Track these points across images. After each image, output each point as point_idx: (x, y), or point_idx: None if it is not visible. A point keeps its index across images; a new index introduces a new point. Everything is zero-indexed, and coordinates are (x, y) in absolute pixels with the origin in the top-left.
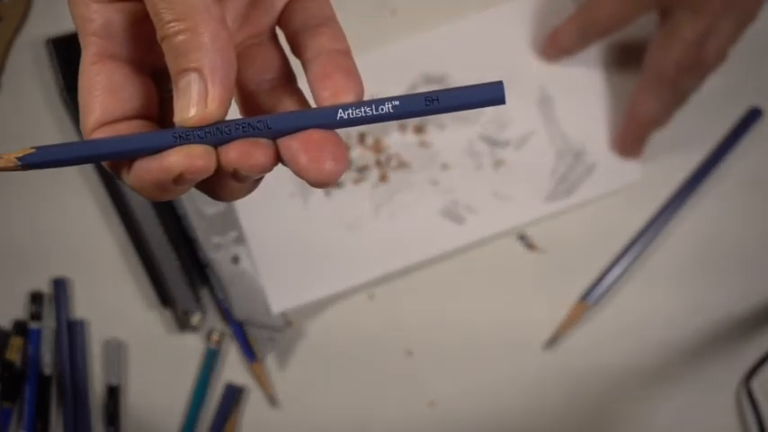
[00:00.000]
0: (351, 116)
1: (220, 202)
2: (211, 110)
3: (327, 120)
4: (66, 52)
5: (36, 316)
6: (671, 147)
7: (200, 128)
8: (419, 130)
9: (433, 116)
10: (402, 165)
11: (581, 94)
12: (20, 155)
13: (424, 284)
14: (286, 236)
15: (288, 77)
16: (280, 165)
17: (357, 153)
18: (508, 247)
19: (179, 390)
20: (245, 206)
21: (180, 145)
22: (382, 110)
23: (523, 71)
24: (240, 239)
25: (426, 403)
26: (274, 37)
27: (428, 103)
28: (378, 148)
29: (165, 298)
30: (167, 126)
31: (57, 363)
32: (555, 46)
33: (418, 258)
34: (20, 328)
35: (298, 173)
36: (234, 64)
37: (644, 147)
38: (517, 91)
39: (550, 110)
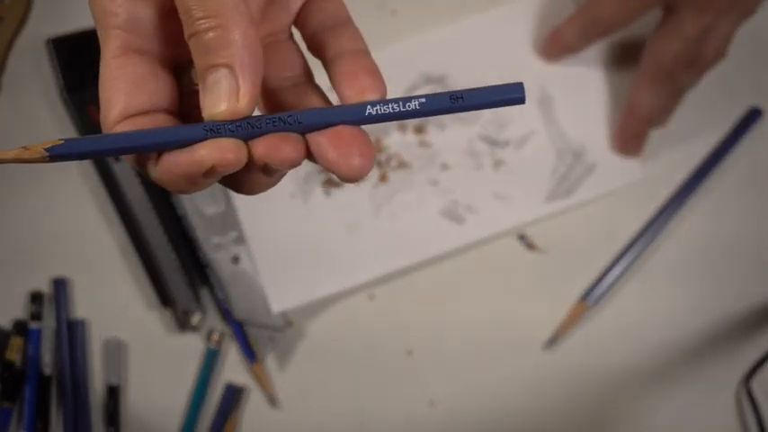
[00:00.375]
0: (378, 112)
1: (220, 203)
2: (242, 105)
3: (356, 116)
4: (66, 52)
5: (36, 316)
6: (671, 147)
7: (231, 122)
8: (419, 130)
9: (433, 116)
10: (402, 165)
11: (581, 93)
12: (48, 146)
13: (424, 284)
14: (286, 236)
15: (308, 75)
16: None
17: None
18: (508, 247)
19: (179, 390)
20: (245, 206)
21: (210, 138)
22: (409, 107)
23: (523, 71)
24: (240, 239)
25: (426, 403)
26: (291, 35)
27: (453, 101)
28: (378, 147)
29: (165, 298)
30: (188, 120)
31: (57, 363)
32: (556, 45)
33: (418, 258)
34: (20, 327)
35: (327, 167)
36: (261, 61)
37: (643, 144)
38: None
39: (550, 110)
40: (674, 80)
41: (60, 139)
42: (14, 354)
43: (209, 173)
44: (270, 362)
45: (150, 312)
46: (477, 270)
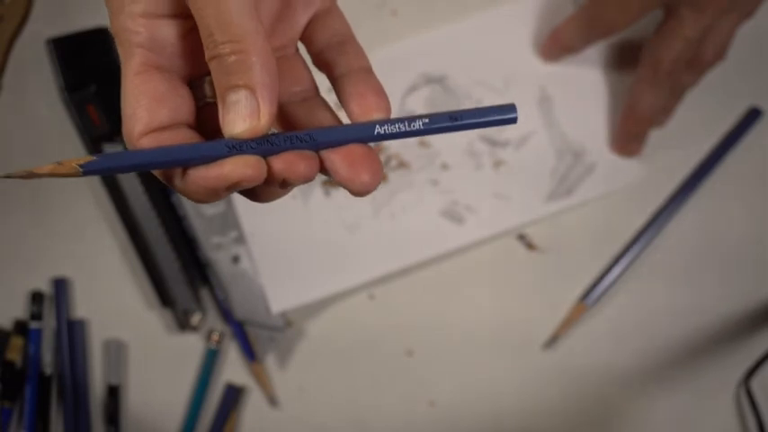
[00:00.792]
0: (387, 132)
1: (220, 203)
2: (263, 123)
3: (366, 135)
4: (66, 52)
5: (36, 316)
6: (671, 147)
7: (252, 140)
8: None
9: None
10: (402, 165)
11: (581, 94)
12: (81, 162)
13: (424, 284)
14: (286, 236)
15: (315, 89)
16: None
17: None
18: (508, 247)
19: (179, 389)
20: (245, 207)
21: (233, 155)
22: (413, 126)
23: (523, 71)
24: (240, 239)
25: (426, 403)
26: (297, 50)
27: (452, 120)
28: (378, 148)
29: (165, 298)
30: (203, 131)
31: (57, 362)
32: (556, 46)
33: (418, 258)
34: (20, 327)
35: (339, 182)
36: (278, 81)
37: (642, 144)
38: (517, 91)
39: (550, 110)
40: (674, 81)
41: (93, 155)
42: (15, 353)
43: (231, 186)
44: (270, 362)
45: (150, 312)
46: (477, 270)
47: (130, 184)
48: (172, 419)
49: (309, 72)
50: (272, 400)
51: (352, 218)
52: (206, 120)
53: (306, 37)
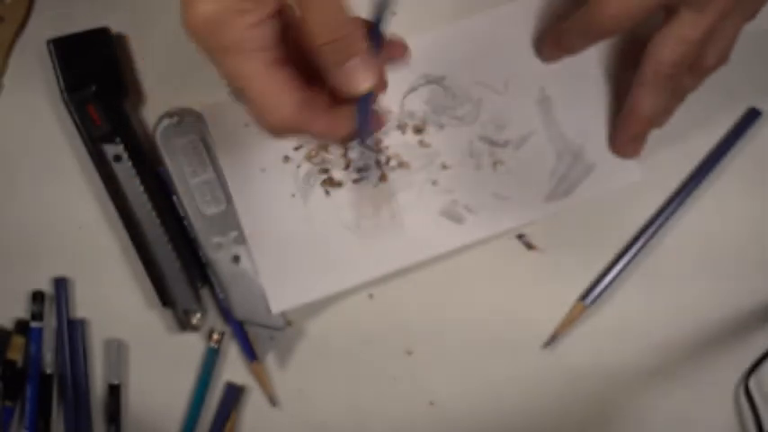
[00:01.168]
0: None
1: (221, 203)
2: (379, 78)
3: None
4: (66, 53)
5: (37, 315)
6: (670, 147)
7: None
8: (419, 130)
9: (432, 115)
10: (402, 165)
11: (580, 94)
12: None
13: (424, 284)
14: (286, 236)
15: None
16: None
17: (357, 153)
18: (507, 247)
19: (179, 389)
20: (246, 206)
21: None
22: None
23: (523, 71)
24: (240, 239)
25: (426, 403)
26: None
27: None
28: (377, 148)
29: (165, 298)
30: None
31: (58, 362)
32: (555, 46)
33: (418, 258)
34: (21, 327)
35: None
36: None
37: (642, 145)
38: (517, 91)
39: (549, 110)
40: (674, 84)
41: None
42: (16, 353)
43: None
44: (270, 361)
45: (151, 312)
46: (477, 270)
47: (131, 184)
48: (172, 419)
49: None
50: (272, 400)
51: (353, 217)
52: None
53: None
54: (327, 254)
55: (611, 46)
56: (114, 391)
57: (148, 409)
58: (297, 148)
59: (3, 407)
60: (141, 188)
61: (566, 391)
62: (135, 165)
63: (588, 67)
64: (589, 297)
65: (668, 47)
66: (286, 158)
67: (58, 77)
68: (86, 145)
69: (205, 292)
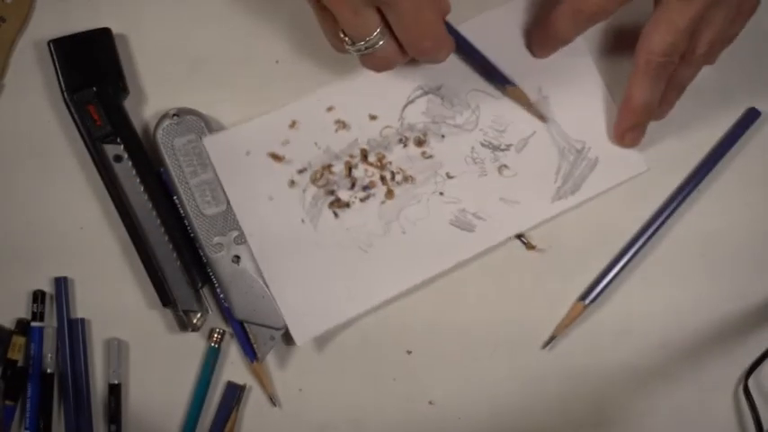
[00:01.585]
0: None
1: (221, 203)
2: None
3: None
4: (66, 53)
5: (38, 315)
6: (669, 147)
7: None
8: (420, 142)
9: (432, 126)
10: (407, 179)
11: (577, 90)
12: None
13: (423, 284)
14: (301, 264)
15: None
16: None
17: (361, 171)
18: (507, 247)
19: (180, 388)
20: (258, 239)
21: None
22: None
23: (519, 73)
24: (240, 239)
25: (426, 403)
26: None
27: None
28: (380, 164)
29: (165, 298)
30: None
31: (59, 361)
32: (547, 38)
33: (434, 271)
34: (22, 326)
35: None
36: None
37: (641, 134)
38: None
39: (547, 109)
40: (667, 71)
41: None
42: (17, 352)
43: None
44: (270, 361)
45: (151, 311)
46: (476, 270)
47: (131, 184)
48: (173, 418)
49: None
50: (273, 400)
51: (364, 236)
52: None
53: None
54: (344, 277)
55: (604, 40)
56: (115, 391)
57: (149, 409)
58: (301, 171)
59: (4, 406)
60: (142, 188)
61: (565, 390)
62: (135, 165)
63: (583, 62)
64: (588, 297)
65: (658, 35)
66: (291, 183)
67: (58, 78)
68: (87, 145)
69: (205, 292)
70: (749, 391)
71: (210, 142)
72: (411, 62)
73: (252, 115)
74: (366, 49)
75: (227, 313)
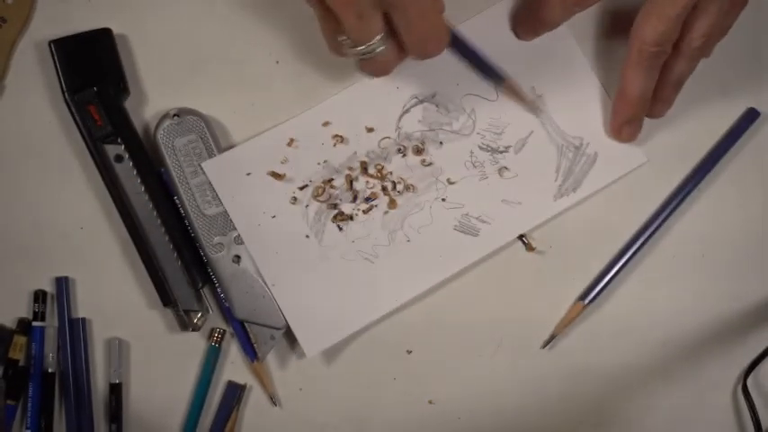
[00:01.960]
0: None
1: (221, 203)
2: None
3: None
4: (67, 54)
5: (39, 315)
6: (668, 147)
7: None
8: (418, 150)
9: (429, 133)
10: (408, 188)
11: (571, 87)
12: None
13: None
14: (308, 279)
15: None
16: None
17: (362, 183)
18: (507, 247)
19: (181, 388)
20: (264, 257)
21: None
22: None
23: (512, 72)
24: (241, 239)
25: (426, 402)
26: None
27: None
28: (380, 175)
29: (166, 297)
30: None
31: (60, 361)
32: (536, 21)
33: (441, 278)
34: (23, 326)
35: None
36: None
37: (638, 128)
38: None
39: (543, 107)
40: (661, 62)
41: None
42: (18, 352)
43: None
44: (271, 360)
45: (152, 311)
46: (476, 270)
47: (132, 184)
48: (173, 417)
49: None
50: (273, 399)
51: (370, 247)
52: None
53: None
54: (352, 289)
55: (596, 34)
56: (116, 390)
57: (150, 408)
58: (302, 188)
59: (5, 406)
60: (142, 188)
61: (565, 390)
62: (136, 165)
63: (576, 59)
64: (588, 296)
65: (650, 24)
66: (294, 200)
67: (59, 78)
68: (88, 145)
69: (206, 292)
70: (748, 391)
71: (210, 166)
72: (403, 71)
73: (252, 115)
74: (366, 53)
75: (227, 313)
